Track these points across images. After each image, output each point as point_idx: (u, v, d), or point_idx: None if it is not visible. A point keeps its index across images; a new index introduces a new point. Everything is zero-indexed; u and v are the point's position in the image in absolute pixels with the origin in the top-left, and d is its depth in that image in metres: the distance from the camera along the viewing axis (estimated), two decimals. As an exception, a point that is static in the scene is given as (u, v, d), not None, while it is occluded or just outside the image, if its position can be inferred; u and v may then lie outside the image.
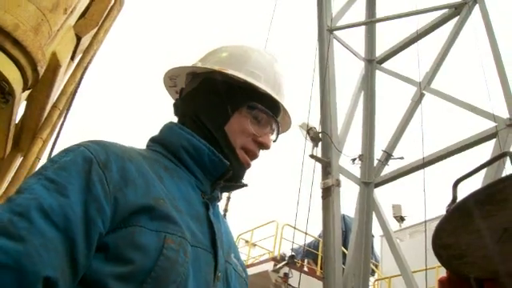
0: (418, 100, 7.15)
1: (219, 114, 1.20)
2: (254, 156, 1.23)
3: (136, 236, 0.89)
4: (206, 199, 1.12)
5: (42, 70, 1.55)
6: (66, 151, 0.95)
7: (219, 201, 1.21)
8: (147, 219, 0.91)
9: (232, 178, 1.18)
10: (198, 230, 1.02)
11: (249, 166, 1.23)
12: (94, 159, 0.92)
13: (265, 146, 1.24)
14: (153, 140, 1.21)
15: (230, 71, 1.22)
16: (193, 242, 0.97)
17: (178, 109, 1.29)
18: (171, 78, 1.37)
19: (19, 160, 2.61)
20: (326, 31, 7.89)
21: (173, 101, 1.36)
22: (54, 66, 2.28)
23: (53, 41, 1.95)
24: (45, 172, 0.89)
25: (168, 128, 1.21)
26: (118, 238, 0.88)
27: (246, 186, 1.25)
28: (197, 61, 1.32)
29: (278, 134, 1.31)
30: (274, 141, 1.31)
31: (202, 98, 1.23)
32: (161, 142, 1.19)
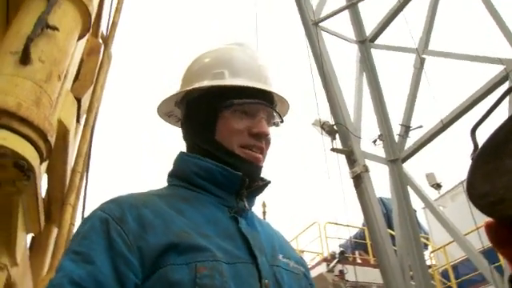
0: (420, 66, 7.09)
1: (205, 128, 1.20)
2: (258, 149, 1.19)
3: (169, 275, 0.90)
4: (232, 213, 1.11)
5: (52, 140, 1.59)
6: (86, 219, 1.00)
7: (249, 209, 1.17)
8: (175, 256, 0.93)
9: (251, 182, 1.16)
10: (233, 247, 1.02)
11: (257, 160, 1.18)
12: (110, 218, 0.96)
13: (262, 134, 1.19)
14: (169, 174, 1.23)
15: (194, 85, 1.22)
16: (229, 260, 0.97)
17: (184, 139, 1.30)
18: (169, 115, 1.38)
19: (55, 231, 2.66)
20: (312, 25, 7.91)
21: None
22: (62, 133, 2.33)
23: (55, 109, 2.00)
24: (70, 246, 0.95)
25: (178, 158, 1.22)
26: (154, 283, 0.91)
27: (268, 182, 1.22)
28: (181, 82, 1.33)
29: (280, 116, 1.28)
30: (278, 124, 1.29)
31: (190, 120, 1.25)
32: (175, 174, 1.20)
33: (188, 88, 1.24)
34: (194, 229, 1.00)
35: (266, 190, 1.23)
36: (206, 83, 1.22)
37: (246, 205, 1.15)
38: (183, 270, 0.92)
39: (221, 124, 1.19)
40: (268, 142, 1.23)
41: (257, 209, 1.26)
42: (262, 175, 1.22)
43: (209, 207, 1.10)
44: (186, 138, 1.27)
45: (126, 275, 0.89)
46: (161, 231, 0.96)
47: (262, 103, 1.21)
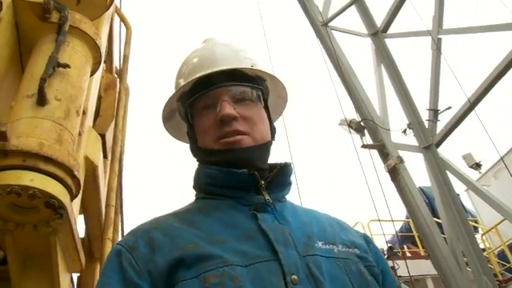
0: (437, 47, 6.94)
1: (190, 138, 1.23)
2: (231, 132, 1.11)
3: None
4: (252, 211, 1.06)
5: (79, 175, 1.59)
6: (108, 255, 1.05)
7: (271, 201, 1.09)
8: (184, 270, 0.92)
9: (259, 170, 1.11)
10: (252, 247, 0.98)
11: (237, 143, 1.10)
12: (123, 248, 1.00)
13: (224, 117, 1.10)
14: (193, 188, 1.23)
15: (166, 104, 1.25)
16: (246, 262, 0.94)
17: None
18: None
19: (98, 268, 2.66)
20: (322, 27, 7.88)
21: None
22: (91, 170, 2.34)
23: (79, 146, 2.01)
24: (97, 282, 1.00)
25: (195, 172, 1.21)
26: None
27: (284, 165, 1.15)
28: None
29: (254, 84, 1.19)
30: (260, 97, 1.20)
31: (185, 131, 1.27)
32: (195, 187, 1.21)
33: (163, 108, 1.27)
34: (205, 238, 0.99)
35: (289, 173, 1.16)
36: (171, 96, 1.23)
37: (267, 197, 1.09)
38: (194, 283, 0.90)
39: (196, 129, 1.19)
40: (246, 119, 1.14)
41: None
42: (275, 161, 1.17)
43: (227, 211, 1.08)
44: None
45: None
46: (167, 249, 0.96)
47: (218, 86, 1.14)
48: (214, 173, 1.11)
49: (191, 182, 1.22)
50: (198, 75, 1.17)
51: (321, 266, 0.99)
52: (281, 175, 1.15)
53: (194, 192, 1.23)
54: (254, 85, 1.19)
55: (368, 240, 1.20)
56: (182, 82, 1.20)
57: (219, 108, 1.12)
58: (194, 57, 1.26)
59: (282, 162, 1.16)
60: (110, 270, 0.97)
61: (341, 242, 1.10)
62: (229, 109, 1.12)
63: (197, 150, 1.19)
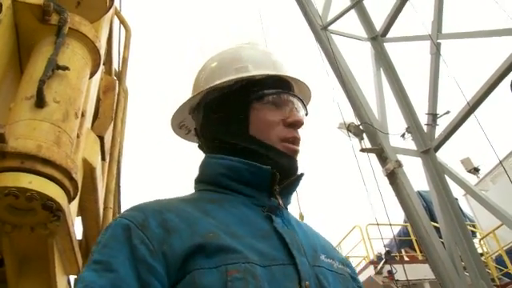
0: (436, 52, 6.95)
1: (236, 124, 1.15)
2: (295, 140, 1.14)
3: (197, 280, 0.85)
4: (266, 212, 1.05)
5: (77, 177, 1.59)
6: (107, 228, 0.96)
7: (283, 207, 1.10)
8: (203, 258, 0.88)
9: (286, 176, 1.10)
10: (268, 247, 0.95)
11: (295, 152, 1.14)
12: (132, 224, 0.92)
13: (297, 123, 1.15)
14: (196, 181, 1.18)
15: (217, 82, 1.18)
16: (264, 263, 0.91)
17: (202, 147, 1.25)
18: (180, 127, 1.34)
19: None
20: (321, 31, 7.89)
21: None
22: (89, 172, 2.34)
23: (78, 148, 2.01)
24: (91, 257, 0.90)
25: (202, 163, 1.18)
26: None
27: (301, 175, 1.15)
28: (192, 90, 1.29)
29: (305, 106, 1.24)
30: (306, 114, 1.24)
31: (213, 122, 1.19)
32: (201, 180, 1.16)
33: (212, 85, 1.18)
34: (223, 229, 0.95)
35: (299, 184, 1.16)
36: (231, 77, 1.17)
37: (280, 202, 1.09)
38: (213, 273, 0.86)
39: (253, 117, 1.14)
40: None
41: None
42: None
43: (239, 207, 1.04)
44: (206, 142, 1.21)
45: (149, 282, 0.85)
46: (186, 234, 0.91)
47: (290, 93, 1.19)
48: (235, 165, 1.08)
49: (191, 183, 1.18)
50: (275, 73, 1.19)
51: (328, 278, 1.00)
52: (294, 184, 1.15)
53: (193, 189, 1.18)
54: (303, 103, 1.24)
55: (351, 265, 1.22)
56: (252, 69, 1.19)
57: (291, 112, 1.16)
58: (255, 54, 1.26)
59: (300, 172, 1.16)
60: (115, 242, 0.89)
61: (337, 259, 1.12)
62: (301, 117, 1.17)
63: (243, 137, 1.13)
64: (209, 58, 1.31)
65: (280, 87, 1.18)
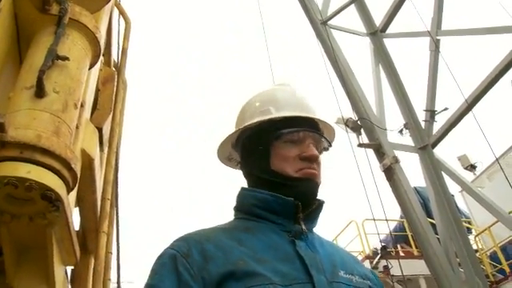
0: (435, 48, 6.95)
1: (261, 159, 1.33)
2: (311, 169, 1.28)
3: None
4: (291, 237, 1.21)
5: (76, 167, 1.59)
6: (158, 257, 1.17)
7: (306, 231, 1.24)
8: (233, 282, 1.06)
9: (307, 202, 1.26)
10: (290, 268, 1.12)
11: (314, 175, 1.29)
12: (178, 254, 1.13)
13: (312, 157, 1.29)
14: (234, 209, 1.37)
15: (246, 123, 1.37)
16: (285, 282, 1.07)
17: (244, 176, 1.44)
18: (229, 159, 1.53)
19: (93, 262, 2.66)
20: (321, 25, 7.88)
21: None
22: (88, 163, 2.34)
23: (77, 139, 2.01)
24: (147, 282, 1.12)
25: (239, 194, 1.37)
26: None
27: (322, 203, 1.31)
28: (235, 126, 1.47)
29: (327, 140, 1.40)
30: (327, 148, 1.41)
31: (246, 157, 1.39)
32: (238, 209, 1.36)
33: (238, 128, 1.40)
34: (252, 256, 1.13)
35: (322, 210, 1.33)
36: (254, 120, 1.36)
37: (304, 227, 1.24)
38: None
39: (273, 154, 1.32)
40: (319, 165, 1.33)
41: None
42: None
43: (269, 234, 1.22)
44: (245, 173, 1.42)
45: None
46: (221, 262, 1.10)
47: (307, 130, 1.34)
48: (264, 197, 1.27)
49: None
50: (294, 114, 1.35)
51: None
52: (317, 211, 1.31)
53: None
54: (324, 137, 1.40)
55: (376, 276, 1.37)
56: (274, 111, 1.36)
57: (307, 148, 1.31)
58: (282, 96, 1.44)
59: (321, 199, 1.32)
60: (164, 270, 1.10)
61: (357, 274, 1.26)
62: (316, 151, 1.32)
63: (266, 171, 1.31)
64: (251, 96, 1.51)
65: (301, 124, 1.34)
